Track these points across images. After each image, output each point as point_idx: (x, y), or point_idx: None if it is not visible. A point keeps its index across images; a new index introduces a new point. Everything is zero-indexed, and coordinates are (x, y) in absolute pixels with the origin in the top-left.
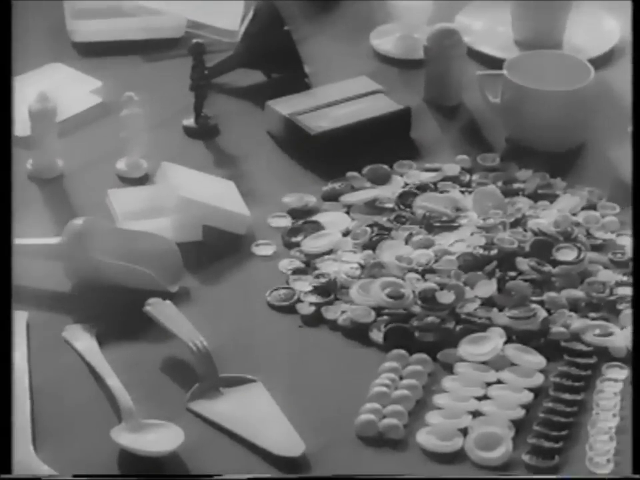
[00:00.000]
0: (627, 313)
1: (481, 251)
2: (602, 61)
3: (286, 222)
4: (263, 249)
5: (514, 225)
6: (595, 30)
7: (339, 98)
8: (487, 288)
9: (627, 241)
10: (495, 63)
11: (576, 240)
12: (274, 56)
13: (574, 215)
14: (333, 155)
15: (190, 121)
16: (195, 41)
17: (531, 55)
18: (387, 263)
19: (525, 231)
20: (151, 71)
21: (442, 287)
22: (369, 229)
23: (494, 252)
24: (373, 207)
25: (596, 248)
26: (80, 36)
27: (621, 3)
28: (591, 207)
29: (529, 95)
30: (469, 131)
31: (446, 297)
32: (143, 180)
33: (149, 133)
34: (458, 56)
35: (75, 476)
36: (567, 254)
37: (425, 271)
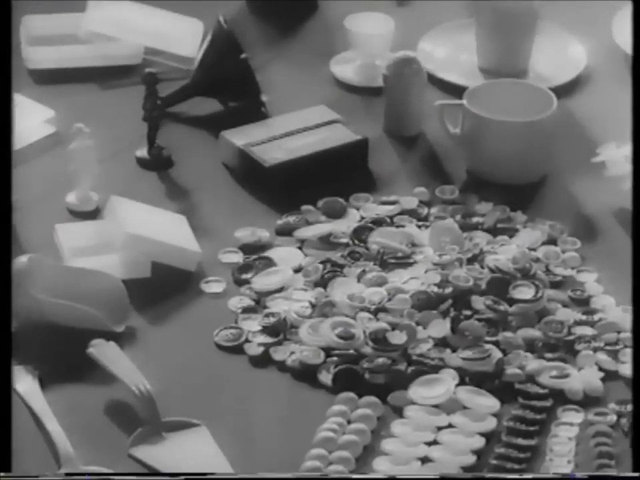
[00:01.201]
0: (584, 353)
1: (436, 289)
2: (568, 89)
3: (237, 258)
4: (213, 286)
5: (471, 261)
6: (561, 56)
7: (296, 128)
8: (440, 328)
9: (587, 277)
10: (459, 90)
11: (534, 277)
12: (231, 84)
13: (533, 250)
14: (287, 188)
15: (143, 152)
16: (147, 70)
17: (492, 84)
18: (338, 301)
19: (482, 267)
20: (106, 99)
21: (394, 327)
22: (320, 266)
23: (449, 290)
24: (327, 242)
25: (555, 285)
26: (35, 63)
27: (588, 29)
28: (552, 241)
29: (489, 125)
30: (429, 162)
31: (398, 338)
32: (94, 214)
33: (101, 164)
34: (418, 85)
35: (75, 475)
36: (524, 292)
37: (377, 310)
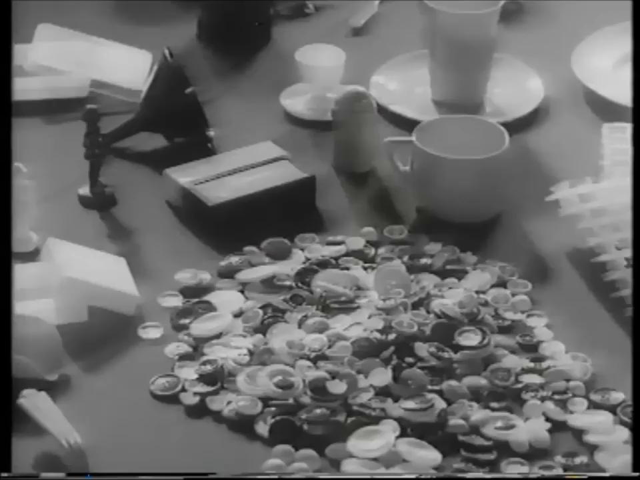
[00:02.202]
0: (531, 403)
1: (378, 336)
2: (525, 122)
3: (177, 301)
4: (150, 331)
5: (416, 305)
6: (518, 89)
7: (242, 165)
8: (382, 376)
9: (537, 322)
10: (413, 125)
11: (482, 322)
12: (177, 119)
13: (483, 293)
14: (232, 228)
15: (85, 190)
16: (88, 107)
17: (443, 119)
18: (277, 349)
19: (428, 312)
20: (49, 134)
21: (334, 375)
22: (260, 311)
23: (392, 336)
24: (270, 284)
25: (503, 330)
26: None
27: (546, 61)
28: (502, 284)
29: (439, 163)
30: (378, 201)
31: (337, 387)
32: (34, 255)
33: (43, 203)
34: (368, 120)
35: (75, 475)
36: (470, 338)
37: (317, 358)
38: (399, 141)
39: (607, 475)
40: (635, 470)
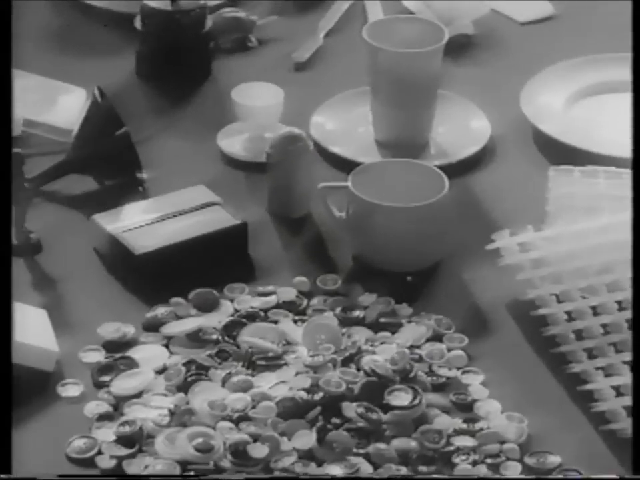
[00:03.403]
0: (462, 467)
1: (304, 395)
2: (470, 164)
3: (99, 357)
4: (70, 389)
5: (346, 362)
6: (464, 129)
7: (172, 211)
8: (306, 439)
9: (472, 379)
10: (354, 167)
11: (414, 380)
12: (108, 161)
13: (417, 347)
14: (159, 278)
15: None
16: (13, 151)
17: (381, 164)
18: (198, 409)
19: (358, 369)
20: None
21: (256, 438)
22: (183, 369)
23: (318, 396)
24: (195, 338)
25: (437, 388)
26: None
27: (494, 98)
28: (437, 338)
29: (374, 210)
30: (313, 248)
31: (259, 450)
32: None
33: None
34: (304, 164)
35: (75, 476)
36: (400, 397)
37: (240, 419)
38: (333, 187)
39: (607, 475)
40: (635, 471)
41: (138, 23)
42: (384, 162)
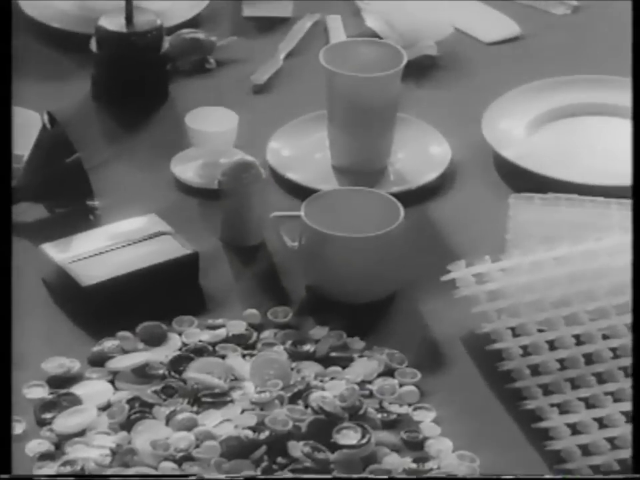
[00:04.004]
0: None
1: (250, 434)
2: (428, 191)
3: (43, 393)
4: (13, 426)
5: (294, 398)
6: (424, 154)
7: (122, 240)
8: None
9: (424, 416)
10: (310, 193)
11: (364, 417)
12: (58, 188)
13: (368, 382)
14: (107, 310)
15: None
16: None
17: (335, 192)
18: (140, 449)
19: (306, 406)
20: None
21: (199, 479)
22: (127, 406)
23: (264, 435)
24: (142, 374)
25: (387, 425)
26: None
27: (455, 122)
28: (389, 372)
29: (327, 240)
30: (266, 278)
31: None
32: None
33: None
34: (257, 191)
35: (75, 476)
36: (349, 436)
37: (183, 459)
38: (286, 216)
39: (607, 475)
40: (635, 470)
41: (93, 45)
42: (338, 190)
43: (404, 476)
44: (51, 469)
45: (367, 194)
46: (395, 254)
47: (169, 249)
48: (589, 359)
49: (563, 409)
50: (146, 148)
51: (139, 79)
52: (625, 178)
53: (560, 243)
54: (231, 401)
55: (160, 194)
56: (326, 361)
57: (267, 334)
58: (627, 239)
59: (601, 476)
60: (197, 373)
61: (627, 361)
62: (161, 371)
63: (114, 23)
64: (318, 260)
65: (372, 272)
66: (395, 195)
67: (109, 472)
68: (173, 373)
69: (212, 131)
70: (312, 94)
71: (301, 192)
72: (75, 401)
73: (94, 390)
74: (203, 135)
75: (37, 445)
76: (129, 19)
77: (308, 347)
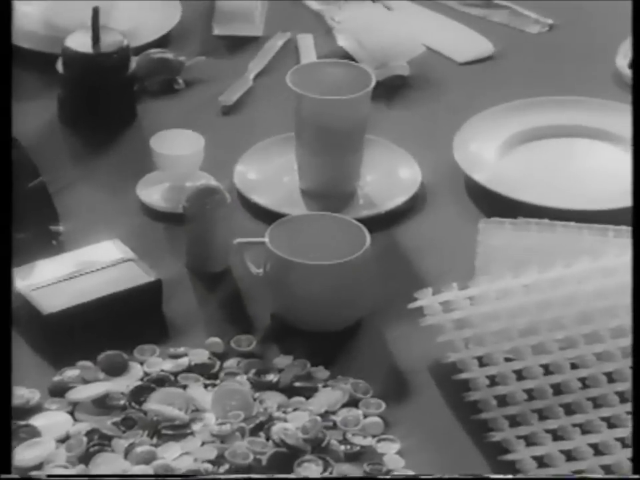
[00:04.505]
0: None
1: (209, 467)
2: (397, 215)
3: None
4: None
5: (255, 430)
6: (393, 177)
7: (84, 267)
8: None
9: (388, 448)
10: (278, 218)
11: (326, 449)
12: (21, 213)
13: (332, 413)
14: (68, 339)
15: None
16: None
17: (301, 218)
18: None
19: (267, 439)
20: None
21: None
22: (85, 438)
23: (224, 468)
24: (102, 405)
25: (350, 457)
26: None
27: (426, 144)
28: (354, 403)
29: (292, 267)
30: (231, 305)
31: None
32: None
33: None
34: (222, 217)
35: (74, 476)
36: (310, 469)
37: None
38: (250, 242)
39: (607, 475)
40: (635, 471)
41: (60, 66)
42: (304, 215)
43: (404, 475)
44: None
45: (332, 219)
46: (361, 281)
47: (132, 276)
48: (557, 389)
49: (529, 440)
50: (112, 170)
51: (105, 100)
52: (597, 202)
53: (528, 270)
54: (191, 433)
55: (125, 218)
56: (289, 391)
57: (230, 363)
58: (596, 265)
59: (611, 476)
60: (158, 404)
61: (596, 392)
62: (121, 402)
63: (80, 43)
64: (282, 287)
65: (337, 299)
66: (364, 219)
67: None
68: (133, 404)
69: (177, 154)
70: (282, 114)
71: (268, 216)
72: (34, 432)
73: (53, 421)
74: (167, 159)
75: None
76: (95, 39)
77: (271, 377)
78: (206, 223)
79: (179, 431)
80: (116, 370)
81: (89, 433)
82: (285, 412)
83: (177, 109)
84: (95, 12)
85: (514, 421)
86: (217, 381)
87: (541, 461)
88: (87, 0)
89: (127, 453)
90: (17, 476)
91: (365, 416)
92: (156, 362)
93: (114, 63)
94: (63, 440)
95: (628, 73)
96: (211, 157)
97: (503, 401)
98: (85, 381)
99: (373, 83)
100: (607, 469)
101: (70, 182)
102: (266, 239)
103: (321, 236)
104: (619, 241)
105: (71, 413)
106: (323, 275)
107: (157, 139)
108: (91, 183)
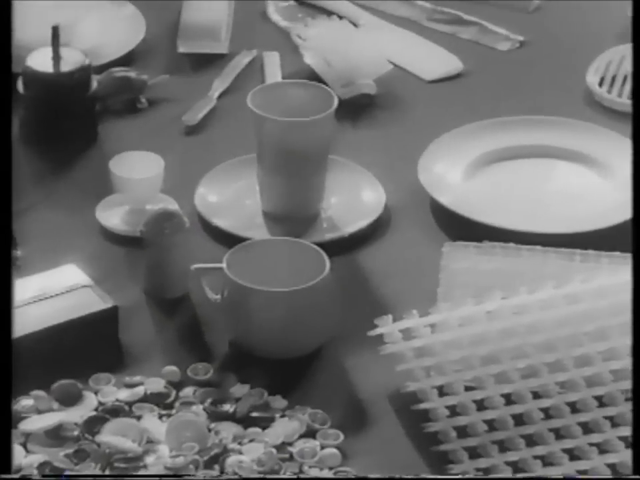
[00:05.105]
0: None
1: None
2: (360, 238)
3: None
4: None
5: (210, 463)
6: (357, 199)
7: (39, 294)
8: None
9: None
10: (239, 242)
11: None
12: None
13: (289, 444)
14: (22, 368)
15: None
16: None
17: (260, 243)
18: None
19: (222, 472)
20: None
21: None
22: (36, 471)
23: None
24: (55, 436)
25: None
26: None
27: (391, 165)
28: (311, 434)
29: (249, 294)
30: (189, 332)
31: None
32: None
33: None
34: (179, 242)
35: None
36: None
37: None
38: (207, 268)
39: (607, 476)
40: (635, 471)
41: (20, 86)
42: (263, 240)
43: (403, 476)
44: None
45: (292, 244)
46: (320, 307)
47: (88, 302)
48: (519, 420)
49: (489, 473)
50: (72, 193)
51: (66, 121)
52: (565, 225)
53: (491, 296)
54: (144, 466)
55: (85, 241)
56: (246, 422)
57: (187, 392)
58: (560, 292)
59: (611, 476)
60: (111, 435)
61: (559, 422)
62: (75, 433)
63: (40, 62)
64: (240, 314)
65: (295, 327)
66: (327, 243)
67: None
68: (87, 435)
69: (136, 178)
70: (246, 134)
71: (230, 240)
72: None
73: None
74: (127, 181)
75: None
76: (56, 58)
77: (228, 407)
78: (164, 248)
79: (131, 463)
80: (70, 400)
81: (41, 466)
82: (240, 443)
83: (140, 128)
84: (55, 31)
85: (474, 453)
86: (173, 411)
87: None
88: (48, 17)
89: None
90: (16, 476)
91: (322, 447)
92: (111, 391)
93: (75, 82)
94: (17, 471)
95: (598, 90)
96: (174, 179)
97: (463, 431)
98: (39, 411)
99: (335, 105)
100: None
101: (30, 204)
102: (223, 265)
103: (280, 261)
104: (586, 265)
105: (24, 445)
106: (281, 302)
107: (116, 161)
108: (51, 205)
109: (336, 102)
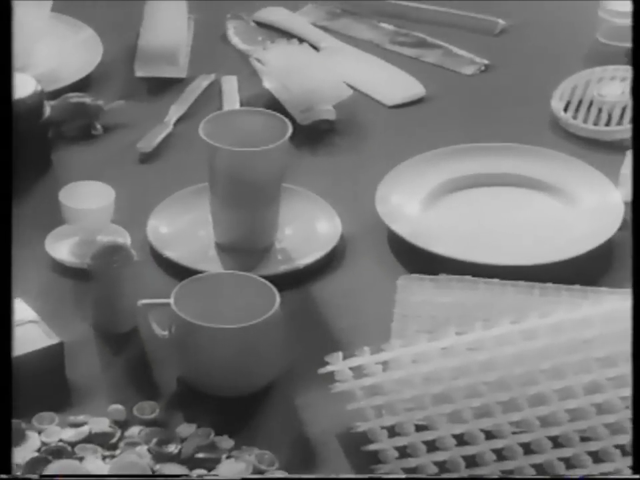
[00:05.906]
0: None
1: None
2: (317, 269)
3: None
4: None
5: None
6: (312, 230)
7: None
8: None
9: None
10: (192, 274)
11: None
12: None
13: None
14: None
15: None
16: None
17: (208, 277)
18: None
19: None
20: None
21: None
22: None
23: None
24: None
25: None
26: None
27: (348, 195)
28: (258, 475)
29: (196, 330)
30: (136, 369)
31: None
32: None
33: None
34: (127, 275)
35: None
36: None
37: None
38: (154, 304)
39: (607, 476)
40: (635, 471)
41: None
42: (212, 275)
43: (404, 475)
44: None
45: (242, 278)
46: (269, 344)
47: (32, 338)
48: (471, 461)
49: None
50: (22, 222)
51: (18, 148)
52: (525, 257)
53: (446, 332)
54: None
55: (33, 273)
56: (191, 463)
57: (132, 432)
58: (516, 327)
59: (611, 476)
60: None
61: (511, 464)
62: (18, 474)
63: None
64: (188, 350)
65: (243, 364)
66: (281, 275)
67: None
68: (29, 477)
69: (85, 208)
70: (202, 162)
71: (182, 272)
72: None
73: None
74: (76, 212)
75: None
76: None
77: (173, 447)
78: (111, 281)
79: None
80: (13, 440)
81: None
82: None
83: (94, 156)
84: None
85: None
86: (117, 452)
87: None
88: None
89: None
90: (17, 475)
91: None
92: (54, 431)
93: (27, 108)
94: None
95: (564, 116)
96: (127, 208)
97: (413, 473)
98: None
99: (289, 134)
100: None
101: None
102: (171, 300)
103: (230, 295)
104: (545, 299)
105: None
106: (228, 339)
107: (66, 191)
108: None
109: (290, 131)
